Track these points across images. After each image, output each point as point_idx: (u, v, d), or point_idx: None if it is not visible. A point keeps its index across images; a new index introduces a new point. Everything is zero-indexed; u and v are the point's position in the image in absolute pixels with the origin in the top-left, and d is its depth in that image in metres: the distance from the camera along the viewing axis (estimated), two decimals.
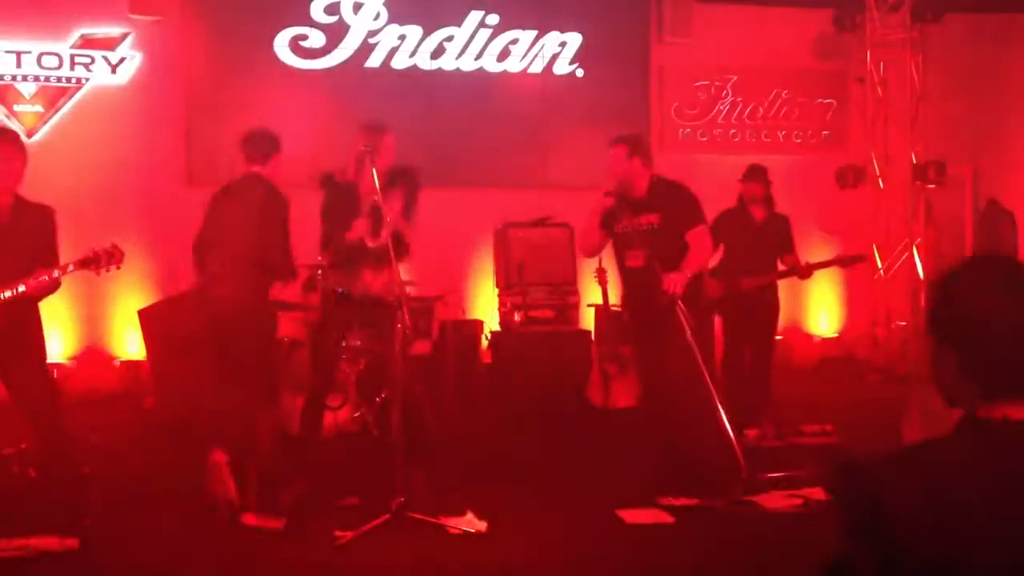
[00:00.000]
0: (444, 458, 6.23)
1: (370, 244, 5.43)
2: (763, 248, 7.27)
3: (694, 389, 5.52)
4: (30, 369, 4.92)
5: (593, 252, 6.15)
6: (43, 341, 5.06)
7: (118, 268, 5.02)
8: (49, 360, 5.31)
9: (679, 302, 5.43)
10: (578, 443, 7.15)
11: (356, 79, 9.81)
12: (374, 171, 5.26)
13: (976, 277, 1.69)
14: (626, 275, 5.90)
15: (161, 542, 5.00)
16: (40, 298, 4.92)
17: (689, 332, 5.43)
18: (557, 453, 6.86)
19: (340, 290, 5.53)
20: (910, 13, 10.41)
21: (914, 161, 10.59)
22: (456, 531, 5.03)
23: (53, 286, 4.88)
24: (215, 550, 4.92)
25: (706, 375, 5.50)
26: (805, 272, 7.33)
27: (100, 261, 4.93)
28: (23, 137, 5.56)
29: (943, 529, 1.54)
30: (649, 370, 5.88)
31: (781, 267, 7.37)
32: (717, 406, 5.53)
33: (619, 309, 8.66)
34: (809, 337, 11.04)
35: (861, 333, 11.01)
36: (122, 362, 9.23)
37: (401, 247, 5.42)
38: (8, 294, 4.71)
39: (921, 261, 10.54)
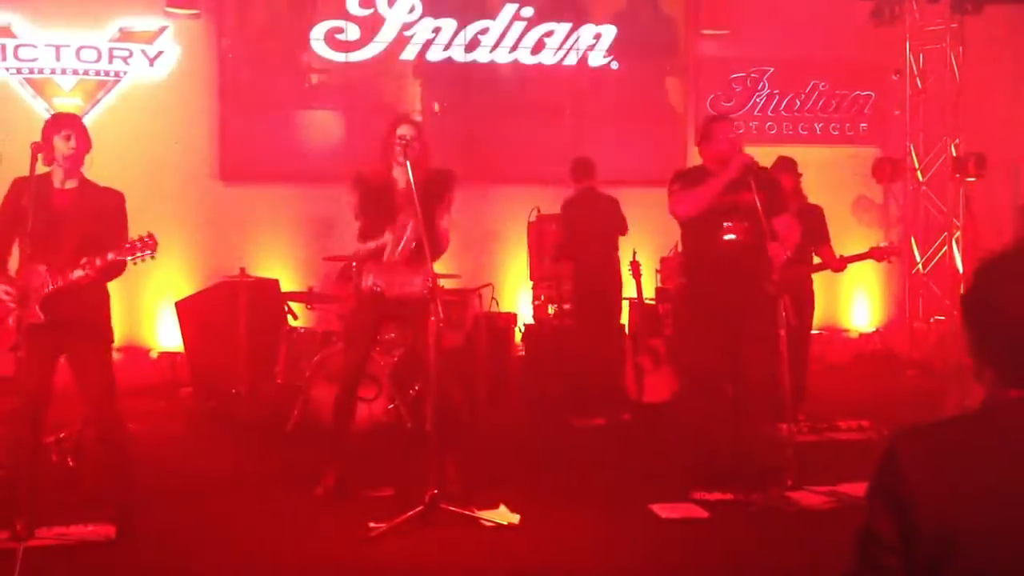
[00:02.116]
0: (477, 451, 6.24)
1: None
2: None
3: (769, 381, 5.51)
4: (94, 354, 4.95)
5: (697, 214, 5.70)
6: (109, 328, 5.07)
7: (152, 257, 5.02)
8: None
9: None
10: (611, 437, 7.13)
11: (391, 72, 9.82)
12: (408, 166, 5.26)
13: (1006, 268, 1.71)
14: (720, 249, 5.62)
15: (198, 531, 5.05)
16: (104, 281, 4.93)
17: (783, 325, 5.43)
18: (590, 447, 6.85)
19: (377, 288, 5.54)
20: (950, 4, 10.26)
21: (953, 154, 10.45)
22: (489, 524, 5.04)
23: (118, 269, 4.89)
24: (251, 538, 4.97)
25: (785, 368, 5.48)
26: (839, 265, 7.25)
27: (134, 249, 4.96)
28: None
29: (950, 497, 1.60)
30: (717, 354, 5.64)
31: (816, 260, 7.30)
32: (785, 400, 5.52)
33: (653, 302, 8.67)
34: (846, 332, 10.93)
35: (899, 328, 10.89)
36: (160, 353, 9.31)
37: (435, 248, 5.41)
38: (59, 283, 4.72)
39: (960, 255, 10.39)
